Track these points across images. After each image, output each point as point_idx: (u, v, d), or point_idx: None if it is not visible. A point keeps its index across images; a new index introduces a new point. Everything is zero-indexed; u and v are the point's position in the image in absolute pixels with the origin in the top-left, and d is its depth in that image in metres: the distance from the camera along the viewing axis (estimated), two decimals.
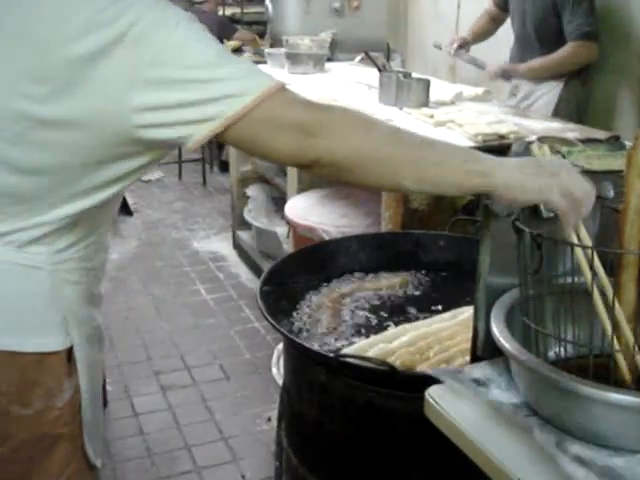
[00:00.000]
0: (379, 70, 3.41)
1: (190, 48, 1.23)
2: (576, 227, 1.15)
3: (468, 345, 1.61)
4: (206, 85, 1.19)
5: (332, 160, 1.18)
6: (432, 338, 1.68)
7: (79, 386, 1.47)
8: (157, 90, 1.19)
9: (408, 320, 1.82)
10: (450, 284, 2.00)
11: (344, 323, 1.82)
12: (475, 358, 1.28)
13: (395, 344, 1.67)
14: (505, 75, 3.50)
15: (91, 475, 1.57)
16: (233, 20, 7.07)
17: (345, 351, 1.64)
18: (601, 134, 2.75)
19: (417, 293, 1.97)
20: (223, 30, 6.26)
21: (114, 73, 1.19)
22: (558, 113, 3.52)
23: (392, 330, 1.75)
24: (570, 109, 3.57)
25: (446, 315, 1.81)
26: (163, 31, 1.21)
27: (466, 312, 1.79)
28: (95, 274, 1.50)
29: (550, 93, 3.61)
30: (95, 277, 1.50)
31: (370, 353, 1.62)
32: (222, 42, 6.23)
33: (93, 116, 1.22)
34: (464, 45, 4.00)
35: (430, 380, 1.18)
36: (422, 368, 1.57)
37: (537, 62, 3.53)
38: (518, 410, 1.11)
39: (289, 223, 3.22)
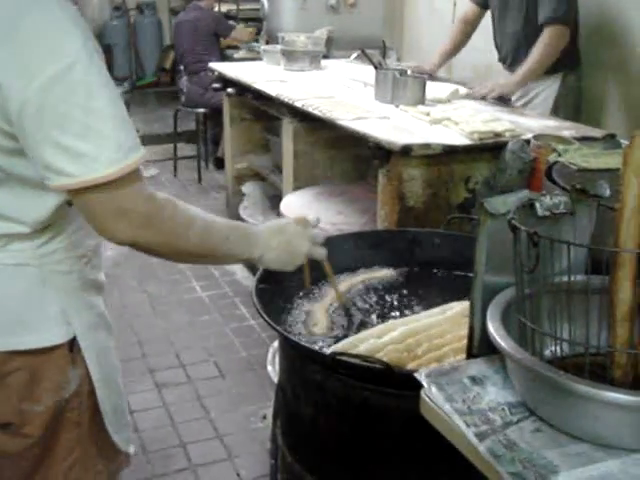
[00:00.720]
0: (375, 67, 3.40)
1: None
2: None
3: (458, 344, 1.61)
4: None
5: (146, 249, 1.38)
6: (421, 335, 1.68)
7: (85, 374, 1.51)
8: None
9: (403, 317, 1.82)
10: (445, 282, 2.00)
11: (339, 320, 1.82)
12: (471, 357, 1.28)
13: (385, 339, 1.66)
14: (502, 100, 3.47)
15: (104, 462, 1.63)
16: (228, 17, 7.06)
17: (335, 347, 1.64)
18: (597, 132, 2.75)
19: (413, 290, 1.97)
20: (220, 27, 6.24)
21: None
22: (557, 109, 3.52)
23: (382, 325, 1.75)
24: (568, 104, 3.58)
25: (435, 310, 1.81)
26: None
27: (455, 308, 1.79)
28: (87, 261, 1.51)
29: (549, 89, 3.61)
30: (88, 264, 1.52)
31: (360, 348, 1.61)
32: (218, 39, 6.22)
33: None
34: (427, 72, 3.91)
35: None
36: (412, 366, 1.57)
37: (522, 71, 3.45)
38: (514, 410, 1.11)
39: None
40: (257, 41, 6.24)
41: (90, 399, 1.55)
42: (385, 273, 2.02)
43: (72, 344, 1.48)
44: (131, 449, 1.71)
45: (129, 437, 1.70)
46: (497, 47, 3.89)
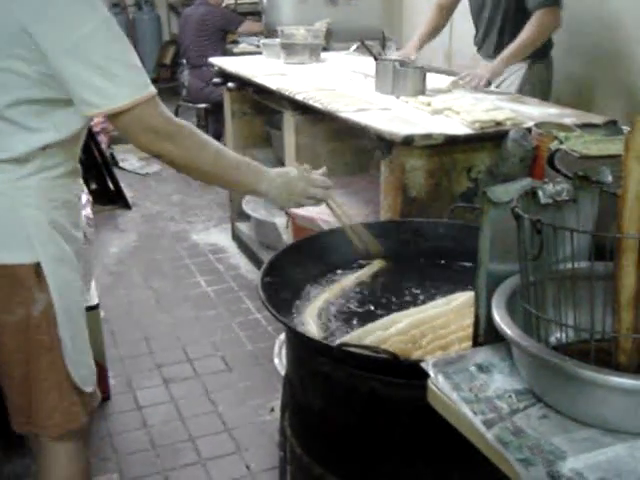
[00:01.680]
0: (375, 59, 3.40)
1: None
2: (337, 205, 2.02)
3: (463, 333, 1.62)
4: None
5: (170, 161, 1.76)
6: (425, 326, 1.69)
7: (52, 301, 1.76)
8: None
9: (408, 308, 1.82)
10: (450, 271, 2.01)
11: (345, 312, 1.83)
12: (477, 345, 1.29)
13: (391, 331, 1.67)
14: (488, 82, 3.45)
15: (77, 394, 1.86)
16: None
17: (342, 339, 1.65)
18: (598, 119, 2.75)
19: (417, 281, 1.97)
20: (228, 23, 6.23)
21: None
22: (522, 94, 3.50)
23: (388, 317, 1.75)
24: (533, 91, 3.52)
25: (440, 301, 1.82)
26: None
27: (460, 298, 1.80)
28: (55, 207, 1.75)
29: (513, 75, 3.58)
30: (58, 211, 1.76)
31: (367, 341, 1.62)
32: (226, 35, 6.20)
33: None
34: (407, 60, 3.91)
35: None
36: (418, 355, 1.58)
37: (507, 52, 3.42)
38: (521, 397, 1.12)
39: (288, 214, 3.22)
40: (256, 35, 6.25)
41: (56, 326, 1.79)
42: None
43: (39, 270, 1.73)
44: (89, 388, 1.90)
45: (89, 378, 1.90)
46: (475, 35, 3.90)
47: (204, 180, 1.91)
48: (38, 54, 1.57)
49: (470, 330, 1.59)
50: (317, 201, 1.98)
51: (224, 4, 7.01)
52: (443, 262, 2.05)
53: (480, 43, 3.84)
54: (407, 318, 1.73)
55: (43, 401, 1.83)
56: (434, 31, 4.03)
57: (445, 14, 3.99)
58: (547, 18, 3.38)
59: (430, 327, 1.69)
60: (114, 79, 1.61)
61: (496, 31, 3.68)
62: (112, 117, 1.67)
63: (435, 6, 4.01)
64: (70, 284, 1.81)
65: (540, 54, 3.58)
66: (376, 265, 2.03)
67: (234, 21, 6.30)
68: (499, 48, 3.59)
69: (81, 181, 1.95)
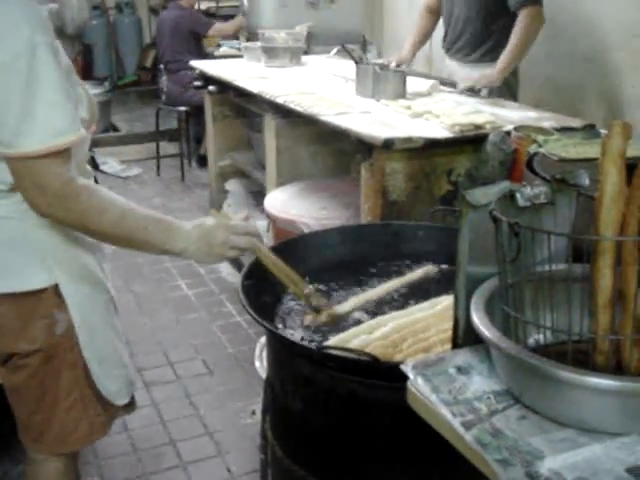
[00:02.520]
0: (355, 62, 3.41)
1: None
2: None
3: (444, 335, 1.63)
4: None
5: (64, 224, 1.59)
6: (406, 331, 1.69)
7: (72, 321, 1.71)
8: None
9: (391, 310, 1.83)
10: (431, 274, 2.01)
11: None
12: (456, 347, 1.29)
13: (377, 334, 1.68)
14: (472, 90, 3.44)
15: (102, 406, 1.82)
16: (208, 14, 7.02)
17: (326, 343, 1.65)
18: (577, 122, 2.77)
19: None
20: (197, 26, 6.18)
21: None
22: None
23: (373, 321, 1.76)
24: (502, 95, 3.53)
25: (425, 304, 1.83)
26: None
27: (445, 301, 1.80)
28: None
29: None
30: None
31: (352, 344, 1.63)
32: (198, 38, 6.16)
33: None
34: (400, 64, 3.87)
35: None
36: (399, 358, 1.58)
37: (505, 60, 3.42)
38: (500, 398, 1.12)
39: (269, 217, 3.23)
40: (237, 38, 6.22)
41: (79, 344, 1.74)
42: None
43: (58, 291, 1.68)
44: (121, 401, 1.85)
45: (121, 390, 1.85)
46: (444, 36, 3.89)
47: (109, 243, 1.70)
48: None
49: (450, 333, 1.61)
50: (242, 250, 1.75)
51: (202, 7, 7.00)
52: (423, 265, 2.05)
53: (450, 44, 3.83)
54: (393, 321, 1.74)
55: (64, 418, 1.78)
56: (425, 36, 4.04)
57: (434, 17, 3.98)
58: (532, 17, 3.39)
59: (411, 331, 1.70)
60: (27, 119, 1.44)
61: (471, 32, 3.67)
62: (9, 160, 1.50)
63: (423, 10, 4.01)
64: (93, 301, 1.77)
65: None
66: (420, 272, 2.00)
67: (203, 24, 6.18)
68: (474, 49, 3.60)
69: None
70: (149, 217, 1.66)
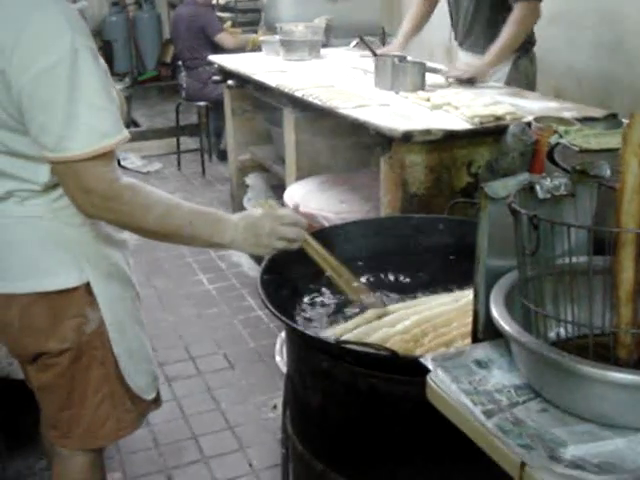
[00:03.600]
0: (374, 54, 3.39)
1: None
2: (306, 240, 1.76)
3: (465, 330, 1.61)
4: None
5: (111, 223, 1.64)
6: (427, 325, 1.68)
7: (103, 318, 1.73)
8: None
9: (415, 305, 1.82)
10: (451, 267, 2.00)
11: (345, 309, 1.83)
12: (476, 341, 1.28)
13: (398, 327, 1.67)
14: (471, 81, 3.40)
15: (131, 401, 1.84)
16: (226, 8, 6.99)
17: (347, 336, 1.65)
18: (598, 112, 2.74)
19: (418, 277, 1.97)
20: (207, 27, 6.07)
21: None
22: None
23: (394, 315, 1.75)
24: (519, 86, 3.47)
25: (447, 299, 1.81)
26: None
27: (470, 295, 1.79)
28: None
29: (500, 72, 3.52)
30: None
31: (373, 338, 1.62)
32: (209, 39, 6.07)
33: None
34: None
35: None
36: (419, 353, 1.57)
37: (494, 52, 3.36)
38: (520, 392, 1.11)
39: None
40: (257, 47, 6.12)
41: (110, 342, 1.76)
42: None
43: (90, 288, 1.70)
44: (149, 396, 1.87)
45: (149, 385, 1.88)
46: (452, 26, 3.84)
47: (155, 239, 1.68)
48: (5, 87, 1.45)
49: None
50: (290, 242, 1.74)
51: (221, 0, 6.94)
52: (444, 258, 2.04)
53: (463, 38, 3.78)
54: (414, 316, 1.72)
55: (93, 414, 1.80)
56: (418, 26, 3.98)
57: (429, 9, 3.94)
58: (527, 11, 3.34)
59: (432, 325, 1.69)
60: (71, 122, 1.45)
61: (483, 24, 3.61)
62: (54, 164, 1.52)
63: (420, 1, 3.94)
64: (121, 298, 1.78)
65: (524, 49, 3.54)
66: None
67: (213, 28, 6.08)
68: (488, 41, 3.55)
69: None
70: (194, 211, 1.67)
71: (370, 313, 1.75)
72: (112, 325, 1.74)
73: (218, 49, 5.95)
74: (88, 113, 1.46)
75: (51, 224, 1.63)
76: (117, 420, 1.83)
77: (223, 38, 6.07)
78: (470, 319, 1.58)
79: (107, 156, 1.50)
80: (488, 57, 3.37)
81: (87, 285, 1.69)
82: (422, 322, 1.70)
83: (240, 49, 5.69)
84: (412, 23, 3.94)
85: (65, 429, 1.82)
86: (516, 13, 3.32)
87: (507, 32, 3.32)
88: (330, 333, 1.68)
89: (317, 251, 1.80)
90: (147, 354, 1.88)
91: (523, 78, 3.56)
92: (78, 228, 1.66)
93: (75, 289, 1.68)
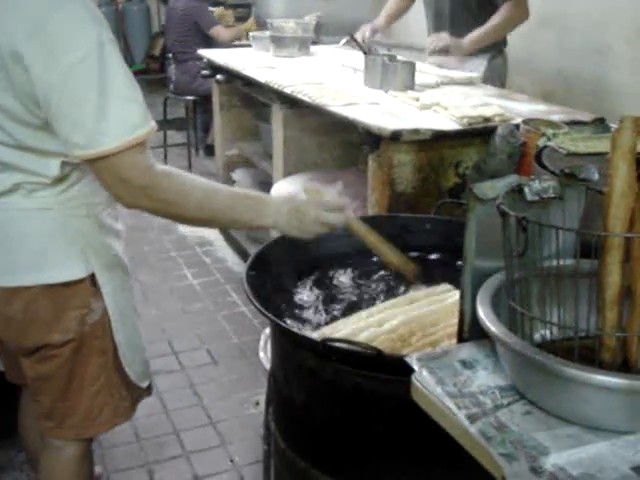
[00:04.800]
0: (364, 53, 3.40)
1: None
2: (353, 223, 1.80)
3: (451, 330, 1.62)
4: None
5: (150, 212, 1.60)
6: (414, 325, 1.68)
7: (106, 308, 1.74)
8: None
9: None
10: (436, 267, 2.00)
11: (332, 306, 1.83)
12: (462, 341, 1.29)
13: (386, 327, 1.67)
14: (444, 50, 3.46)
15: (127, 389, 1.86)
16: (217, 3, 6.97)
17: (336, 334, 1.64)
18: (586, 116, 2.75)
19: (403, 277, 1.97)
20: (201, 21, 6.05)
21: None
22: None
23: (382, 314, 1.75)
24: (491, 80, 3.56)
25: (435, 297, 1.82)
26: None
27: (455, 295, 1.79)
28: (103, 208, 1.72)
29: (475, 70, 3.57)
30: (104, 211, 1.73)
31: (361, 337, 1.62)
32: (202, 33, 6.05)
33: None
34: (375, 32, 3.93)
35: None
36: (406, 352, 1.57)
37: (476, 34, 3.47)
38: (504, 393, 1.12)
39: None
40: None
41: (111, 331, 1.77)
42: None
43: (94, 279, 1.71)
44: (145, 383, 1.92)
45: (144, 373, 1.91)
46: (428, 30, 3.88)
47: (196, 225, 1.73)
48: (28, 82, 1.44)
49: None
50: (332, 227, 1.75)
51: None
52: (430, 258, 2.04)
53: (432, 24, 3.82)
54: (401, 315, 1.73)
55: (90, 403, 1.80)
56: (398, 13, 4.09)
57: (407, 2, 4.03)
58: (516, 10, 3.42)
59: (419, 325, 1.69)
60: (103, 116, 1.45)
61: (461, 27, 3.63)
62: (88, 161, 1.52)
63: None
64: (123, 287, 1.80)
65: (498, 49, 3.63)
66: None
67: (207, 22, 6.06)
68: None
69: None
70: (235, 195, 1.68)
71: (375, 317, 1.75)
72: (115, 315, 1.76)
73: (210, 44, 5.93)
74: (118, 106, 1.47)
75: (58, 216, 1.63)
76: (113, 408, 1.84)
77: (218, 31, 6.06)
78: (457, 319, 1.59)
79: (140, 146, 1.51)
80: (469, 37, 3.47)
81: (92, 276, 1.70)
82: (409, 322, 1.70)
83: (236, 41, 5.71)
84: (395, 8, 4.05)
85: (60, 419, 1.82)
86: (503, 10, 3.42)
87: (491, 23, 3.43)
88: (318, 334, 1.68)
89: (365, 231, 1.83)
90: (142, 343, 1.91)
91: (497, 77, 3.63)
92: (84, 219, 1.67)
93: (81, 281, 1.69)
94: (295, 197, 1.76)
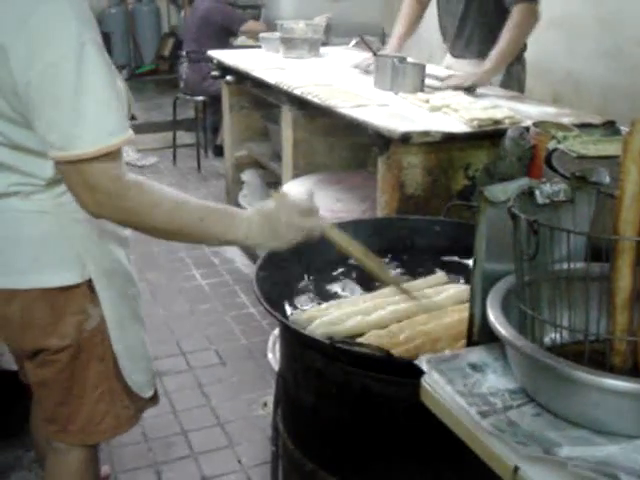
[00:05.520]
0: (374, 54, 3.39)
1: None
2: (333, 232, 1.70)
3: (442, 332, 1.62)
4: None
5: (115, 221, 1.55)
6: (406, 321, 1.69)
7: (104, 315, 1.71)
8: None
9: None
10: (445, 269, 2.00)
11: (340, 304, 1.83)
12: (471, 344, 1.28)
13: (374, 317, 1.68)
14: (471, 89, 3.34)
15: (129, 399, 1.84)
16: (228, 4, 6.98)
17: (319, 321, 1.66)
18: (596, 119, 2.75)
19: (414, 276, 1.97)
20: (229, 23, 6.09)
21: None
22: None
23: (370, 303, 1.76)
24: (509, 86, 3.46)
25: (430, 290, 1.83)
26: None
27: (450, 290, 1.80)
28: None
29: (493, 78, 3.44)
30: None
31: (347, 324, 1.65)
32: (228, 34, 6.08)
33: None
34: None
35: None
36: (398, 352, 1.57)
37: (495, 58, 3.28)
38: (514, 396, 1.12)
39: None
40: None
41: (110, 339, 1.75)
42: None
43: (92, 285, 1.68)
44: (147, 394, 1.86)
45: (147, 383, 1.87)
46: (441, 30, 3.79)
47: (164, 238, 1.60)
48: (10, 78, 1.41)
49: (451, 329, 1.61)
50: (309, 233, 1.65)
51: None
52: (439, 259, 2.04)
53: (452, 43, 3.73)
54: (391, 306, 1.73)
55: (91, 410, 1.79)
56: (410, 31, 3.88)
57: (421, 11, 3.87)
58: (527, 14, 3.26)
59: (410, 322, 1.69)
60: (80, 118, 1.41)
61: (473, 28, 3.57)
62: (58, 162, 1.47)
63: (412, 2, 3.85)
64: (123, 295, 1.77)
65: (518, 56, 3.48)
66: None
67: (236, 20, 6.11)
68: (480, 45, 3.50)
69: None
70: (205, 208, 1.59)
71: (363, 305, 1.75)
72: (112, 322, 1.73)
73: (226, 46, 5.95)
74: (95, 110, 1.42)
75: (55, 219, 1.61)
76: (115, 416, 1.82)
77: (251, 26, 6.05)
78: (448, 320, 1.61)
79: (114, 154, 1.45)
80: (489, 63, 3.29)
81: (89, 282, 1.68)
82: (400, 316, 1.70)
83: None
84: (405, 26, 3.85)
85: (63, 424, 1.81)
86: (515, 17, 3.26)
87: (507, 37, 3.26)
88: (302, 316, 1.70)
89: (342, 238, 1.72)
90: (146, 352, 1.87)
91: (515, 84, 3.53)
92: (82, 224, 1.63)
93: (77, 286, 1.67)
94: (264, 205, 1.65)
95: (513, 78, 3.53)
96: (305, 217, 1.64)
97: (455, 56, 3.75)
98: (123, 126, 1.48)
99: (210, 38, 6.03)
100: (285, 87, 3.36)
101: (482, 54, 3.43)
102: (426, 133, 2.51)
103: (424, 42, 4.12)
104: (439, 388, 1.14)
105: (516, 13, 3.26)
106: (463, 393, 1.12)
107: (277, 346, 2.40)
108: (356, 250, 1.73)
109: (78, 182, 1.45)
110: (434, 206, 2.51)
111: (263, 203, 1.67)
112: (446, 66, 3.75)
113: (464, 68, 3.53)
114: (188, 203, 1.57)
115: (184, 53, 6.29)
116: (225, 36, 6.17)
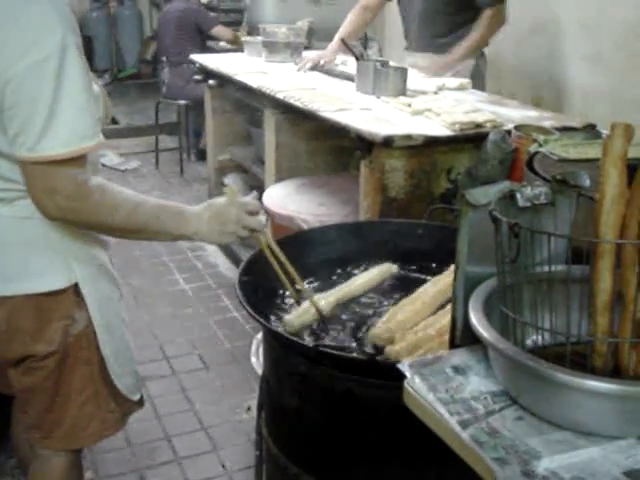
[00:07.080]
0: (356, 59, 3.40)
1: None
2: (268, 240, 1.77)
3: (429, 331, 1.63)
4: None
5: (75, 224, 1.58)
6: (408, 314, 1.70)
7: (91, 318, 1.71)
8: None
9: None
10: (428, 272, 2.01)
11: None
12: (454, 347, 1.29)
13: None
14: (439, 73, 3.54)
15: (115, 402, 1.84)
16: (209, 8, 6.98)
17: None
18: (577, 122, 2.76)
19: (395, 282, 1.97)
20: (201, 21, 6.13)
21: None
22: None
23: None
24: (480, 83, 3.65)
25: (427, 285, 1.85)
26: None
27: (442, 280, 1.83)
28: None
29: (464, 70, 3.64)
30: None
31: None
32: (202, 34, 6.09)
33: None
34: (317, 65, 3.90)
35: None
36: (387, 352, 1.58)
37: (463, 50, 3.55)
38: (496, 398, 1.12)
39: (267, 212, 3.21)
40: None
41: (96, 342, 1.75)
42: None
43: (77, 289, 1.68)
44: (136, 396, 1.88)
45: (135, 385, 1.89)
46: (405, 33, 3.93)
47: (120, 237, 1.67)
48: None
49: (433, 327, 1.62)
50: (251, 232, 1.73)
51: (205, 1, 6.95)
52: (421, 263, 2.04)
53: (415, 38, 3.85)
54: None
55: (77, 415, 1.79)
56: (353, 35, 3.99)
57: (368, 17, 4.00)
58: (496, 17, 3.50)
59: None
60: (54, 120, 1.42)
61: (436, 23, 3.70)
62: (24, 163, 1.47)
63: (360, 8, 3.96)
64: (109, 298, 1.78)
65: (481, 52, 3.71)
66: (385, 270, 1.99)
67: (207, 22, 6.12)
68: (440, 39, 3.66)
69: None
70: (159, 206, 1.64)
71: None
72: (100, 326, 1.73)
73: (205, 48, 5.95)
74: (70, 112, 1.44)
75: (39, 225, 1.60)
76: (101, 420, 1.82)
77: (220, 31, 6.11)
78: (433, 319, 1.61)
79: (82, 158, 1.48)
80: (457, 53, 3.56)
81: (75, 286, 1.67)
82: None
83: (234, 43, 5.74)
84: (348, 31, 3.92)
85: (48, 430, 1.80)
86: (485, 18, 3.50)
87: (477, 34, 3.53)
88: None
89: (271, 249, 1.79)
90: (132, 355, 1.88)
91: (480, 78, 3.70)
92: (66, 228, 1.63)
93: (63, 290, 1.66)
94: (214, 202, 1.72)
95: (480, 72, 3.71)
96: (252, 217, 1.72)
97: (421, 51, 3.83)
98: (95, 131, 1.50)
99: (188, 40, 6.04)
100: (268, 91, 3.36)
101: (445, 47, 3.64)
102: (408, 137, 2.51)
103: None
104: (421, 395, 1.14)
105: (486, 16, 3.50)
106: (445, 400, 1.11)
107: (260, 350, 2.39)
108: (277, 262, 1.79)
109: (40, 185, 1.46)
110: (416, 209, 2.52)
111: (214, 199, 1.74)
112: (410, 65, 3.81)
113: (430, 61, 3.68)
114: (145, 203, 1.62)
115: (164, 59, 6.28)
116: (202, 37, 6.19)
